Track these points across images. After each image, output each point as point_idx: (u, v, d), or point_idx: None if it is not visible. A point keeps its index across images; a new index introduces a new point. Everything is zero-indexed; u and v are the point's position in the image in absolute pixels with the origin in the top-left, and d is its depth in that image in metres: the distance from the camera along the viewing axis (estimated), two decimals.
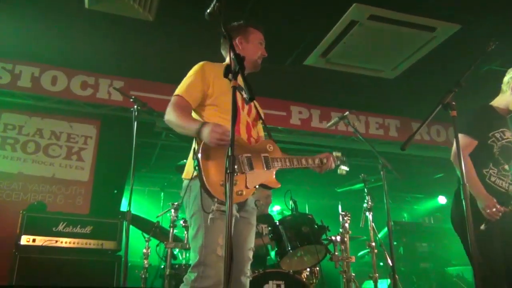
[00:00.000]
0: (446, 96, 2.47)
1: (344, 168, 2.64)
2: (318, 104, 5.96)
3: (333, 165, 2.54)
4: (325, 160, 2.49)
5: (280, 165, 2.35)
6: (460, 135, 2.60)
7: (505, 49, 4.25)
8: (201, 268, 2.05)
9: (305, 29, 4.39)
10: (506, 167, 2.74)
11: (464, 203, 2.25)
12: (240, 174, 2.12)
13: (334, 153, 2.61)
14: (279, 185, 2.32)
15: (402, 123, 6.25)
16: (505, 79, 2.89)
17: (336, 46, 4.62)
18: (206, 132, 2.05)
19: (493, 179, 2.68)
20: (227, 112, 2.13)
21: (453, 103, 2.44)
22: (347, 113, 3.88)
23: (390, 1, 3.96)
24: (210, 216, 2.08)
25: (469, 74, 2.56)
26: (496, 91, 3.07)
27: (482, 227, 2.54)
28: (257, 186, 2.24)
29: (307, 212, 6.69)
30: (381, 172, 3.68)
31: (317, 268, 3.97)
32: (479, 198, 2.57)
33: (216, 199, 2.06)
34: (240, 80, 1.96)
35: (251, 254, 2.31)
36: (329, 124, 4.28)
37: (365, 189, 4.14)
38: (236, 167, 1.83)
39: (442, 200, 8.13)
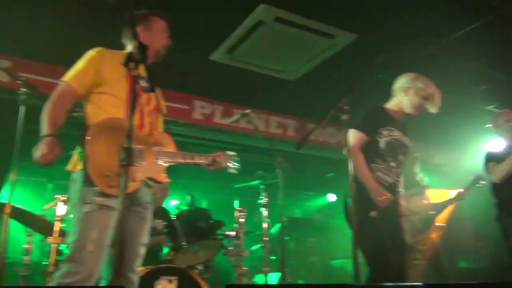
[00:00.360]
0: (339, 101, 2.64)
1: (235, 167, 2.69)
2: (221, 100, 5.98)
3: (225, 164, 2.58)
4: (217, 159, 2.52)
5: (171, 160, 2.32)
6: (352, 131, 2.83)
7: (395, 60, 4.66)
8: (70, 263, 1.96)
9: (213, 24, 4.37)
10: (393, 164, 2.99)
11: (348, 200, 2.45)
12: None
13: (228, 152, 2.65)
14: (168, 180, 2.29)
15: (300, 124, 6.53)
16: (397, 85, 3.17)
17: (242, 44, 4.68)
18: (39, 145, 1.99)
19: (379, 173, 2.91)
20: (121, 100, 2.10)
21: (346, 107, 2.62)
22: (248, 110, 3.95)
23: (295, 5, 4.10)
24: (86, 209, 1.99)
25: (361, 81, 2.77)
26: (385, 98, 3.36)
27: (372, 213, 2.74)
28: (144, 179, 2.20)
29: (204, 207, 6.70)
30: (278, 170, 3.81)
31: (211, 263, 3.99)
32: (369, 187, 2.78)
33: (98, 191, 1.98)
34: (141, 69, 1.90)
35: (142, 250, 2.24)
36: (230, 120, 4.33)
37: (262, 186, 4.26)
38: (124, 158, 1.77)
39: (331, 197, 8.67)
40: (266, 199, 4.17)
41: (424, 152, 7.38)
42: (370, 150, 2.90)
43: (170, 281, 3.27)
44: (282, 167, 3.81)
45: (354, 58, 4.83)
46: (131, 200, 2.17)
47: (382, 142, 2.95)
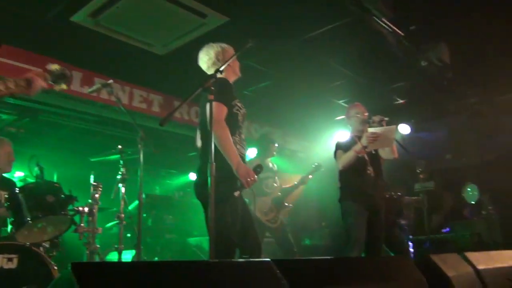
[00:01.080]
0: (207, 81, 2.66)
1: (62, 84, 2.35)
2: (81, 67, 5.54)
3: (45, 84, 2.25)
4: (33, 79, 2.15)
5: None
6: (216, 103, 2.65)
7: (262, 48, 4.86)
8: None
9: None
10: (243, 136, 3.02)
11: (209, 179, 2.45)
12: None
13: (47, 68, 2.31)
14: None
15: (166, 100, 6.41)
16: (213, 57, 3.09)
17: (108, 9, 4.38)
18: None
19: (238, 147, 2.83)
20: None
21: (212, 88, 2.65)
22: (111, 81, 3.75)
23: None
24: None
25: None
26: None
27: (236, 193, 2.64)
28: None
29: (55, 180, 6.19)
30: (139, 145, 3.71)
31: (59, 240, 3.75)
32: (236, 167, 2.65)
33: None
34: None
35: None
36: (90, 89, 4.06)
37: (121, 161, 4.11)
38: None
39: (193, 176, 8.76)
40: (125, 174, 4.04)
41: (281, 138, 7.92)
42: (230, 123, 2.79)
43: (10, 259, 2.97)
44: (144, 143, 3.72)
45: (225, 41, 4.90)
46: None
47: (240, 115, 2.91)
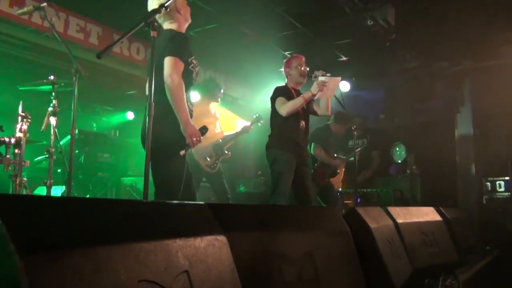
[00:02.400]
0: (150, 16, 2.51)
1: None
2: None
3: None
4: None
5: None
6: (173, 58, 2.66)
7: None
8: None
9: None
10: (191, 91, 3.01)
11: (147, 120, 2.40)
12: None
13: None
14: None
15: (105, 32, 6.04)
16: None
17: None
18: None
19: (188, 103, 2.82)
20: None
21: (156, 23, 2.51)
22: (44, 4, 3.45)
23: None
24: None
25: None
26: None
27: (182, 152, 2.67)
28: None
29: None
30: (74, 78, 3.50)
31: None
32: (185, 125, 2.68)
33: None
34: None
35: None
36: (21, 11, 3.71)
37: (53, 92, 3.88)
38: None
39: (130, 115, 8.50)
40: (56, 107, 3.83)
41: (223, 84, 7.83)
42: (184, 81, 2.74)
43: None
44: (80, 75, 3.50)
45: None
46: None
47: (194, 73, 2.89)
